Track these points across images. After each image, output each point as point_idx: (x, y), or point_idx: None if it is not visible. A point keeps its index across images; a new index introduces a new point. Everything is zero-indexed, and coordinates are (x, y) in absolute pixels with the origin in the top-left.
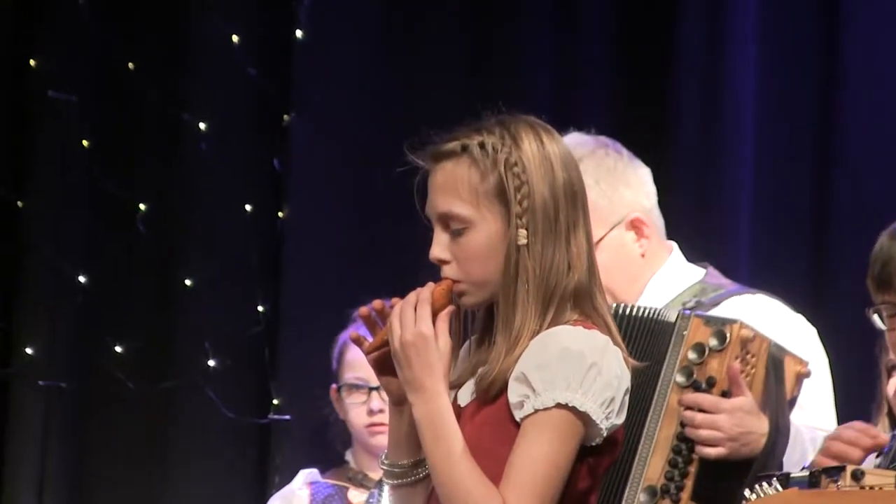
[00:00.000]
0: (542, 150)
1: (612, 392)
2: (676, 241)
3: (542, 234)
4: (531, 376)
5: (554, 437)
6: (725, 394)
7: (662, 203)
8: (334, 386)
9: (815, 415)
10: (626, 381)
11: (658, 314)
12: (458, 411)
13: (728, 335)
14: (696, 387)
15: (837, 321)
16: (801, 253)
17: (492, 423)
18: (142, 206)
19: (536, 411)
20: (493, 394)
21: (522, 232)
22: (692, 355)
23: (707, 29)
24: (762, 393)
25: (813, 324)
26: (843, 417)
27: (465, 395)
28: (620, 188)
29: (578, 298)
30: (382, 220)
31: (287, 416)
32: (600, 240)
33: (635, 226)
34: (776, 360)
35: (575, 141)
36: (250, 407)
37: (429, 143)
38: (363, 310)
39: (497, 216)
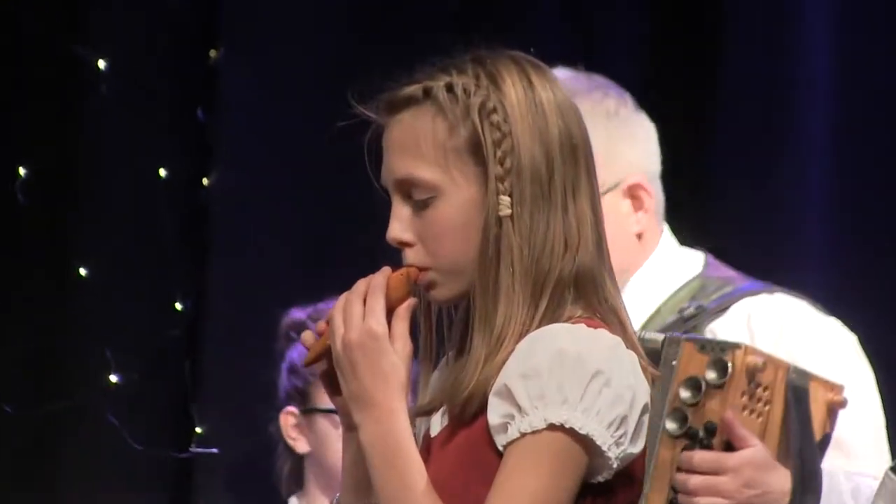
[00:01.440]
0: (531, 92)
1: (624, 409)
2: (724, 251)
3: (531, 202)
4: (516, 389)
5: (546, 468)
6: (730, 445)
7: (708, 204)
8: (293, 409)
9: (862, 458)
10: (643, 395)
11: (640, 336)
12: (429, 444)
13: (730, 365)
14: (691, 436)
15: None
16: (890, 267)
17: (466, 452)
18: (21, 171)
19: (523, 435)
20: (468, 414)
21: (505, 199)
22: (685, 394)
23: None
24: (780, 436)
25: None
26: None
27: (440, 422)
28: (621, 142)
29: (581, 286)
30: (339, 190)
31: (213, 449)
32: None
33: (634, 193)
34: (798, 389)
35: (562, 76)
36: (165, 436)
37: (383, 90)
38: (321, 325)
39: (471, 180)
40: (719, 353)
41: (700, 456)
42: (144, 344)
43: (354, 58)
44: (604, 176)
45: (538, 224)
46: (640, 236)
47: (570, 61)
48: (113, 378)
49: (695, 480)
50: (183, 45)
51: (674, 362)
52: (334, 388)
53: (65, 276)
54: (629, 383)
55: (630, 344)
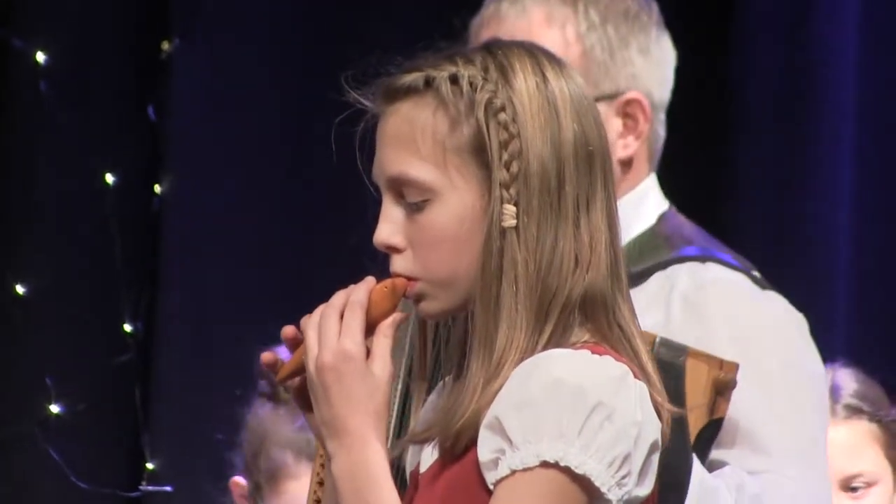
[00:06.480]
0: (545, 88)
1: (627, 447)
2: (740, 246)
3: (539, 213)
4: (508, 421)
5: None
6: None
7: (720, 218)
8: (240, 480)
9: (774, 453)
10: (650, 432)
11: None
12: (417, 479)
13: None
14: None
15: None
16: None
17: (454, 490)
18: None
19: (513, 472)
20: (460, 448)
21: (510, 209)
22: None
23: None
24: None
25: None
26: None
27: (430, 455)
28: (630, 49)
29: (591, 309)
30: (305, 197)
31: (166, 487)
32: None
33: (629, 112)
34: (668, 364)
35: None
36: (112, 473)
37: (380, 75)
38: (287, 330)
39: (473, 184)
40: None
41: None
42: (89, 370)
43: (321, 46)
44: (602, 78)
45: (546, 237)
46: (625, 165)
47: None
48: (54, 408)
49: None
50: (132, 36)
51: None
52: (309, 406)
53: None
54: (635, 418)
55: (643, 375)
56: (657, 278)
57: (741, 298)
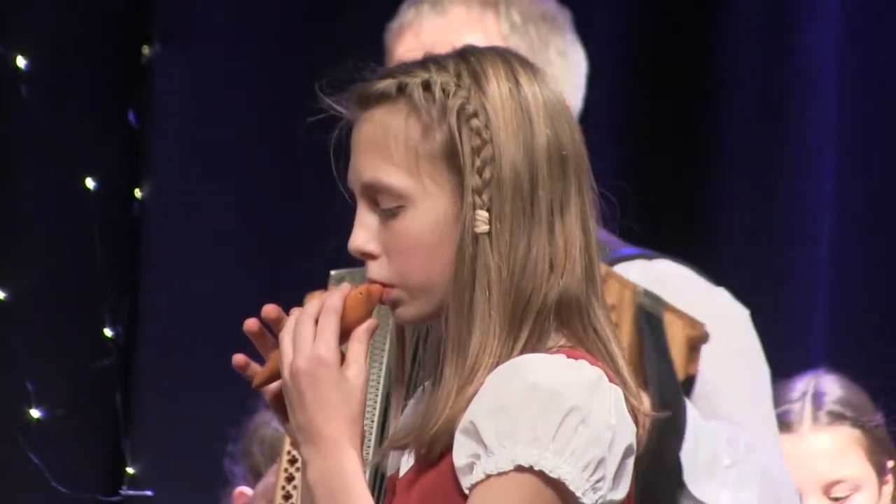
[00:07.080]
0: (518, 94)
1: (602, 451)
2: (721, 251)
3: (512, 219)
4: (483, 426)
5: None
6: None
7: (701, 222)
8: (247, 490)
9: (749, 432)
10: (625, 436)
11: None
12: (395, 484)
13: None
14: None
15: None
16: None
17: (430, 496)
18: None
19: (488, 477)
20: (435, 453)
21: (482, 214)
22: None
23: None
24: (632, 363)
25: None
26: None
27: (409, 460)
28: (552, 49)
29: (566, 313)
30: (289, 200)
31: (147, 492)
32: None
33: None
34: (651, 315)
35: None
36: (93, 477)
37: (355, 81)
38: (250, 322)
39: (445, 190)
40: None
41: None
42: (70, 374)
43: (303, 50)
44: None
45: (519, 243)
46: None
47: None
48: (34, 413)
49: None
50: (113, 40)
51: None
52: (285, 413)
53: None
54: (609, 423)
55: (619, 379)
56: None
57: (696, 290)
